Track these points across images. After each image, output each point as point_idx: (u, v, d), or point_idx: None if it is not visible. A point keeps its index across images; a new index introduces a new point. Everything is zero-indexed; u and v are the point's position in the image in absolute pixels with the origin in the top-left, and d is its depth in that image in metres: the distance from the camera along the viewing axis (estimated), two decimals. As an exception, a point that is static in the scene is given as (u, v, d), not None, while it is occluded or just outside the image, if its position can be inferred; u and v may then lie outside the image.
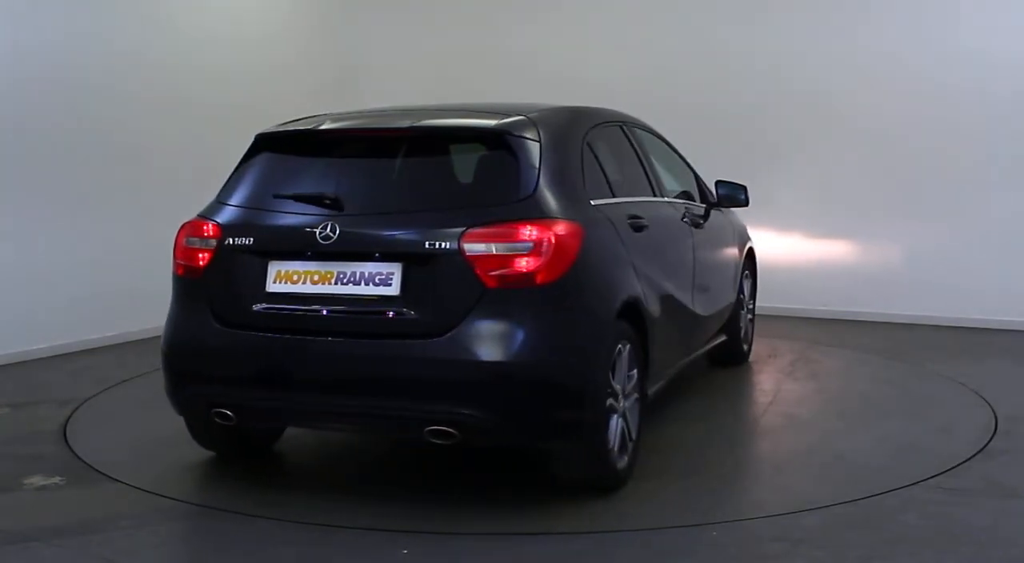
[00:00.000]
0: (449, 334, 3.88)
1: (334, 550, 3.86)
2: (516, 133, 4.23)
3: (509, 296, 3.91)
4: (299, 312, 4.09)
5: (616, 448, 4.28)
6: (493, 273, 3.89)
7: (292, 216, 4.22)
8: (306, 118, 4.78)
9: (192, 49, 8.15)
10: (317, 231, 4.05)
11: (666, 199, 5.49)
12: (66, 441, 5.21)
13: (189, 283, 4.36)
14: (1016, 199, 7.84)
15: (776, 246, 8.47)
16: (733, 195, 6.16)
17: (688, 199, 6.01)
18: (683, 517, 4.10)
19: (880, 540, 3.83)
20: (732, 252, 6.51)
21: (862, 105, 8.29)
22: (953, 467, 4.64)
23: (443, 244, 3.91)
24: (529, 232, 3.92)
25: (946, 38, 8.03)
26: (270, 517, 4.13)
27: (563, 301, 3.99)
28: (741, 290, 6.67)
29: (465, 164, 4.34)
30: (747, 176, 6.60)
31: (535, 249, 3.90)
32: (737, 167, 7.42)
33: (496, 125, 4.29)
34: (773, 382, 6.45)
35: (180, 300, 4.42)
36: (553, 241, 3.93)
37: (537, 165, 4.16)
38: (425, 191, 4.23)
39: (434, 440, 3.99)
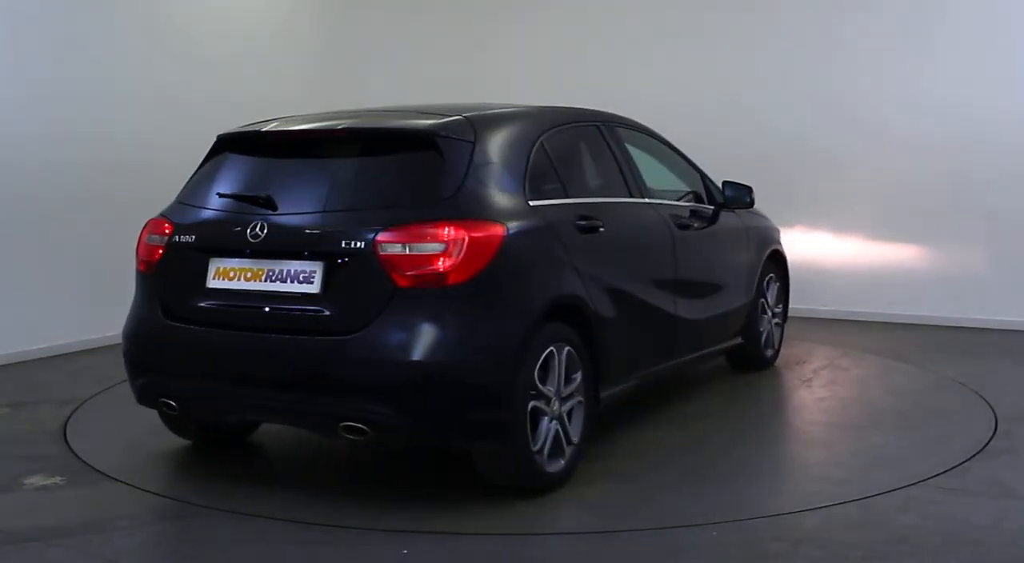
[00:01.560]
0: (361, 332, 3.97)
1: (334, 550, 3.86)
2: (445, 134, 4.30)
3: (421, 296, 3.97)
4: (234, 308, 4.26)
5: (546, 451, 4.27)
6: (405, 273, 3.96)
7: (230, 215, 4.39)
8: (272, 120, 4.89)
9: (191, 48, 8.15)
10: (248, 230, 4.22)
11: (646, 200, 5.37)
12: (66, 441, 5.21)
13: (145, 278, 4.60)
14: (1017, 198, 7.83)
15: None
16: (739, 196, 6.10)
17: (696, 200, 5.96)
18: (634, 520, 4.07)
19: (880, 540, 3.83)
20: (746, 254, 6.35)
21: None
22: (953, 467, 4.64)
23: (359, 244, 4.01)
24: (441, 233, 3.98)
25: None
26: (270, 517, 4.13)
27: (476, 302, 4.02)
28: (762, 294, 6.53)
29: (394, 165, 4.38)
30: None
31: (447, 250, 3.96)
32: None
33: (426, 126, 4.37)
34: (787, 387, 6.39)
35: (138, 294, 4.65)
36: (466, 242, 3.98)
37: (465, 166, 4.22)
38: (351, 191, 4.30)
39: (348, 436, 4.08)
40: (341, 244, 4.04)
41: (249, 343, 4.19)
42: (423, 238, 3.98)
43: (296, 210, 4.28)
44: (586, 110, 5.45)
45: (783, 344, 6.97)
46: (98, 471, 4.74)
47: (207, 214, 4.48)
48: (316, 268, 4.09)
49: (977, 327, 7.95)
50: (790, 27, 8.59)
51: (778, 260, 6.85)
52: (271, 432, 5.15)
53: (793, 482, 4.62)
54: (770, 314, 6.67)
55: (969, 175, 7.98)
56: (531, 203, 4.41)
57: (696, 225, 5.78)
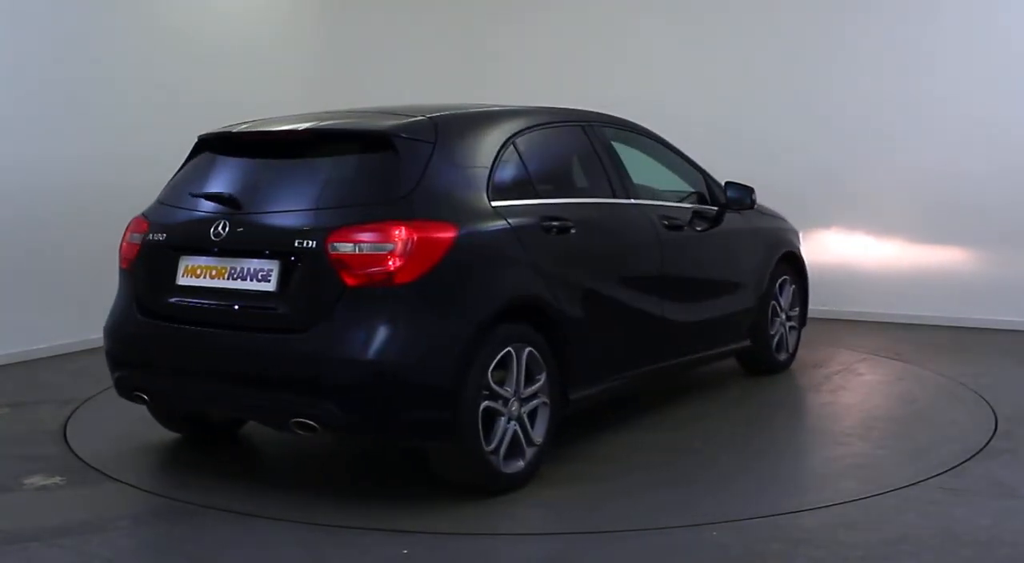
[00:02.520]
0: (311, 331, 4.04)
1: (334, 550, 3.86)
2: (403, 135, 4.34)
3: (369, 295, 4.02)
4: (201, 305, 4.38)
5: (502, 451, 4.28)
6: (354, 272, 4.01)
7: (198, 214, 4.50)
8: (257, 120, 4.97)
9: (191, 48, 8.15)
10: (211, 229, 4.32)
11: (632, 201, 5.31)
12: (66, 441, 5.21)
13: (124, 275, 4.75)
14: (1017, 198, 7.84)
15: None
16: (740, 198, 6.04)
17: (700, 201, 5.91)
18: (591, 523, 4.07)
19: (880, 540, 3.83)
20: (752, 256, 6.23)
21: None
22: (953, 467, 4.64)
23: (311, 243, 4.07)
24: (389, 232, 4.02)
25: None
26: (270, 517, 4.13)
27: (424, 302, 4.06)
28: (774, 296, 6.40)
29: (352, 165, 4.43)
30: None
31: (395, 249, 4.00)
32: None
33: (384, 127, 4.42)
34: (794, 391, 6.31)
35: (119, 290, 4.78)
36: (414, 242, 4.02)
37: (422, 167, 4.26)
38: (310, 191, 4.36)
39: (299, 431, 4.16)
40: (295, 243, 4.11)
41: (211, 339, 4.31)
42: (371, 238, 4.03)
43: (257, 209, 4.39)
44: (571, 110, 5.42)
45: (803, 347, 6.83)
46: (98, 471, 4.74)
47: (179, 213, 4.59)
48: (273, 267, 4.17)
49: (977, 327, 7.95)
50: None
51: (794, 263, 6.70)
52: (271, 432, 5.14)
53: (787, 484, 4.61)
54: (783, 317, 6.54)
55: (970, 173, 7.98)
56: (493, 204, 4.43)
57: (690, 226, 5.71)
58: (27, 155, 7.04)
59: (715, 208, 5.99)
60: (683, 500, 4.33)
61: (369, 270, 4.00)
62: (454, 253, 4.12)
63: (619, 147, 5.55)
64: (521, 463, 4.39)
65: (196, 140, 4.88)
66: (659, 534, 3.95)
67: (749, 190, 6.08)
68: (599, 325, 4.87)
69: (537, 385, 4.45)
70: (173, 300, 4.45)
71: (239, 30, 8.69)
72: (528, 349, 4.39)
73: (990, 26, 7.92)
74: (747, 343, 6.23)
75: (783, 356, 6.60)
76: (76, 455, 4.98)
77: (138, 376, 4.62)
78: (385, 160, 4.29)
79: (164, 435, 5.19)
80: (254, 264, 4.22)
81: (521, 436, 4.38)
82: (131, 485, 4.54)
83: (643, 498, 4.36)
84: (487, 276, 4.31)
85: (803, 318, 6.88)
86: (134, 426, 5.44)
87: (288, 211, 4.30)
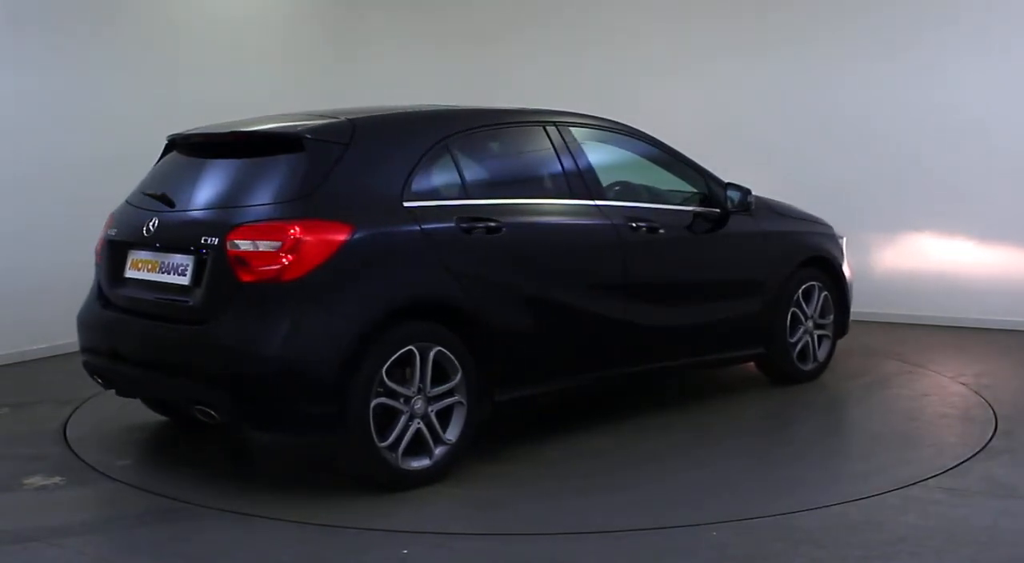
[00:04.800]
0: (209, 323, 4.30)
1: (334, 550, 3.86)
2: (314, 137, 4.52)
3: (260, 291, 4.21)
4: (140, 297, 4.71)
5: (402, 448, 4.34)
6: (248, 268, 4.22)
7: (142, 211, 4.80)
8: (219, 124, 5.16)
9: (192, 47, 8.15)
10: (145, 225, 4.66)
11: (595, 203, 5.19)
12: (66, 441, 5.22)
13: (96, 268, 5.09)
14: (1018, 197, 7.83)
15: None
16: (737, 199, 5.80)
17: (702, 204, 5.73)
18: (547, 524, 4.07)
19: (880, 540, 3.83)
20: (760, 261, 5.96)
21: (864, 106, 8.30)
22: (953, 467, 4.64)
23: (214, 239, 4.31)
24: (279, 231, 4.20)
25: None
26: (270, 517, 4.13)
27: (311, 299, 4.21)
28: (795, 303, 6.09)
29: (266, 166, 4.58)
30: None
31: (284, 247, 4.17)
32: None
33: (296, 130, 4.61)
34: (799, 392, 6.08)
35: (93, 282, 5.12)
36: (303, 240, 4.18)
37: (329, 168, 4.41)
38: (226, 190, 4.62)
39: (202, 418, 4.48)
40: (202, 240, 4.36)
41: (141, 328, 4.63)
42: (263, 236, 4.22)
43: (183, 207, 4.68)
44: (535, 111, 5.36)
45: (852, 356, 6.62)
46: (98, 471, 4.74)
47: (133, 211, 4.90)
48: (188, 262, 4.44)
49: (977, 327, 7.94)
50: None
51: (827, 268, 6.36)
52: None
53: (786, 484, 4.61)
54: (809, 325, 6.21)
55: (970, 172, 7.97)
56: (407, 204, 4.51)
57: (676, 229, 5.55)
58: (28, 153, 7.05)
59: (704, 210, 5.76)
60: (683, 500, 4.33)
61: (261, 267, 4.19)
62: (345, 252, 4.25)
63: (602, 148, 5.52)
64: (427, 461, 4.44)
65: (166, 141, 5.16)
66: (659, 534, 3.95)
67: (745, 191, 5.83)
68: (535, 327, 4.85)
69: (450, 384, 4.49)
70: (121, 291, 4.80)
71: (239, 30, 8.68)
72: (437, 348, 4.43)
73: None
74: (759, 351, 6.02)
75: (809, 366, 6.27)
76: (76, 455, 4.98)
77: (95, 361, 4.95)
78: (293, 161, 4.47)
79: (164, 436, 5.19)
80: (176, 259, 4.50)
81: (427, 434, 4.42)
82: (131, 485, 4.55)
83: (643, 498, 4.36)
84: (382, 275, 4.39)
85: (841, 327, 6.50)
86: (134, 426, 5.45)
87: (203, 209, 4.60)
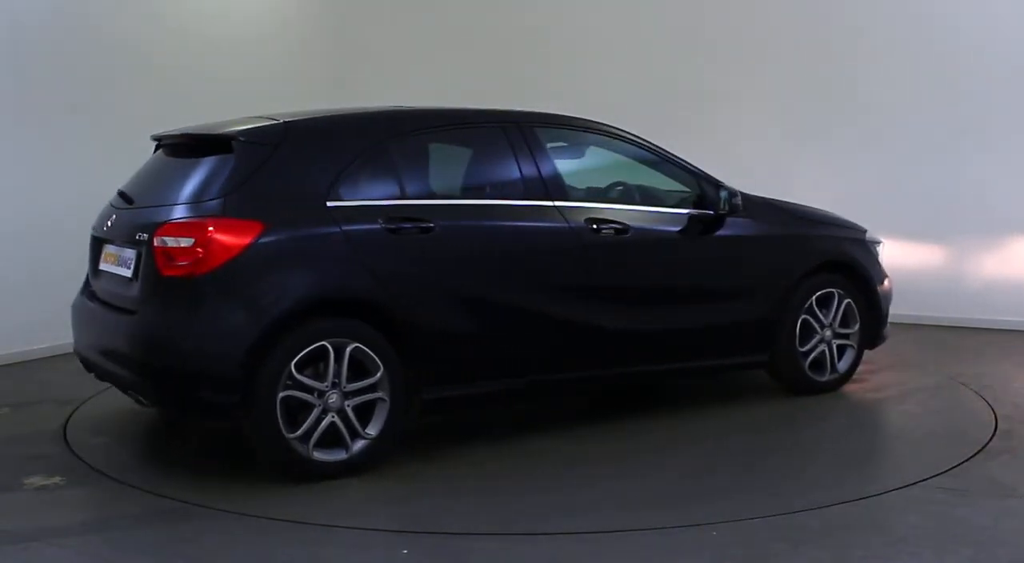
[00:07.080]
0: (138, 313, 4.59)
1: (334, 550, 3.87)
2: (243, 138, 4.72)
3: (175, 284, 4.46)
4: (106, 288, 4.99)
5: (313, 440, 4.47)
6: (168, 263, 4.46)
7: (111, 208, 5.17)
8: (201, 125, 5.28)
9: (189, 47, 8.15)
10: (108, 221, 5.05)
11: (555, 204, 5.10)
12: (66, 441, 5.22)
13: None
14: (1018, 197, 7.84)
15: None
16: (723, 201, 5.60)
17: (696, 205, 5.57)
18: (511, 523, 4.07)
19: (880, 540, 3.83)
20: (759, 265, 5.75)
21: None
22: (953, 467, 4.64)
23: (145, 235, 4.58)
24: (192, 229, 4.44)
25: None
26: (270, 517, 4.13)
27: (217, 293, 4.43)
28: (807, 310, 5.83)
29: (203, 167, 4.78)
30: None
31: (195, 243, 4.39)
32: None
33: (227, 132, 4.80)
34: (799, 402, 5.85)
35: (86, 275, 5.37)
36: (212, 237, 4.39)
37: (253, 169, 4.61)
38: (167, 190, 4.85)
39: (137, 403, 4.99)
40: (137, 236, 4.65)
41: (102, 317, 4.93)
42: (182, 232, 4.45)
43: (136, 205, 4.99)
44: (496, 111, 5.32)
45: (887, 369, 6.46)
46: (98, 471, 4.74)
47: (108, 207, 5.25)
48: (132, 255, 4.70)
49: (977, 327, 7.94)
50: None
51: (850, 274, 6.05)
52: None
53: (786, 484, 4.61)
54: (827, 333, 5.93)
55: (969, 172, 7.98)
56: (331, 204, 4.62)
57: (637, 232, 5.33)
58: (28, 154, 7.04)
59: (695, 212, 5.59)
60: (683, 500, 4.33)
61: (176, 262, 4.43)
62: (254, 250, 4.43)
63: (575, 150, 5.53)
64: (344, 454, 4.55)
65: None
66: (659, 534, 3.95)
67: (732, 193, 5.62)
68: (468, 328, 4.84)
69: (370, 380, 4.56)
70: (98, 283, 5.11)
71: (238, 30, 8.68)
72: (354, 345, 4.51)
73: None
74: (761, 358, 5.79)
75: (826, 376, 5.96)
76: (76, 455, 4.98)
77: (79, 349, 5.23)
78: (222, 162, 4.68)
79: (164, 435, 5.19)
80: (126, 253, 4.78)
81: (343, 428, 4.51)
82: (131, 485, 4.54)
83: (645, 498, 4.36)
84: (292, 273, 4.53)
85: (870, 337, 6.16)
86: (134, 426, 5.45)
87: (147, 207, 4.87)
